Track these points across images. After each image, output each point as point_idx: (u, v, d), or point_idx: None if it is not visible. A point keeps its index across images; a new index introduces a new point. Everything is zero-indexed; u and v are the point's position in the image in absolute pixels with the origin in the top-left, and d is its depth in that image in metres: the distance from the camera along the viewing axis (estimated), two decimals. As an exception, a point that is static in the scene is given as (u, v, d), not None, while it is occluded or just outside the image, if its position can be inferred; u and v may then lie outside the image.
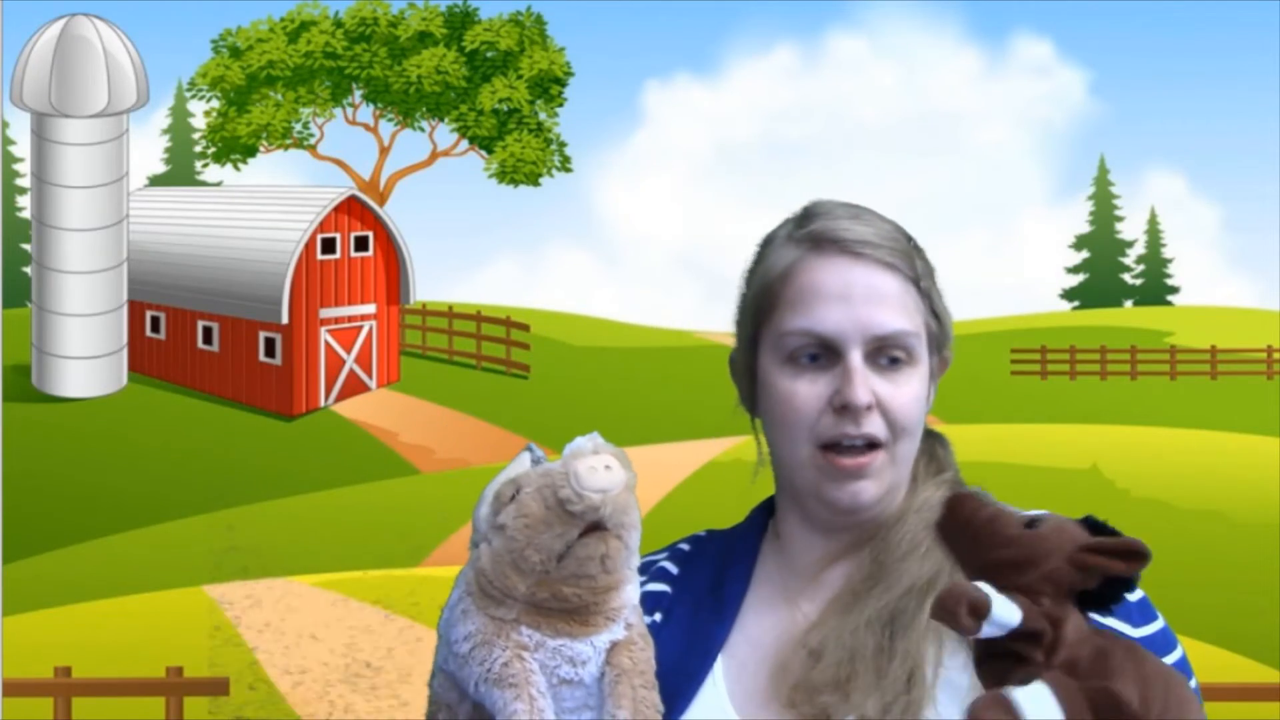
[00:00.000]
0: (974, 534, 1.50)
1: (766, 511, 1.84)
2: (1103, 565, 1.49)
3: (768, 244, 1.79)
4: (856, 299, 1.71)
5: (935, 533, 1.55)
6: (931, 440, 1.83)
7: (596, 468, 1.56)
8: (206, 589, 14.67)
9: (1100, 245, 39.95)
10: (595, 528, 1.56)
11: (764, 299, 1.76)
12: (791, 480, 1.76)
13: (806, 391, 1.71)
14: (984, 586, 1.46)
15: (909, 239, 1.77)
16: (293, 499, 19.75)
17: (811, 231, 1.75)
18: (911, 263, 1.75)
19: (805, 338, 1.72)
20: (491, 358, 25.66)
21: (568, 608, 1.58)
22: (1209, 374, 27.11)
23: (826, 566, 1.77)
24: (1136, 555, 1.48)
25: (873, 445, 1.71)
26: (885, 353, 1.72)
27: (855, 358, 1.70)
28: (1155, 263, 39.76)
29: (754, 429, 1.81)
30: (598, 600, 1.58)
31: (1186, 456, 19.22)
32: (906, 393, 1.72)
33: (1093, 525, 1.51)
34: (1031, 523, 1.49)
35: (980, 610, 1.45)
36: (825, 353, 1.72)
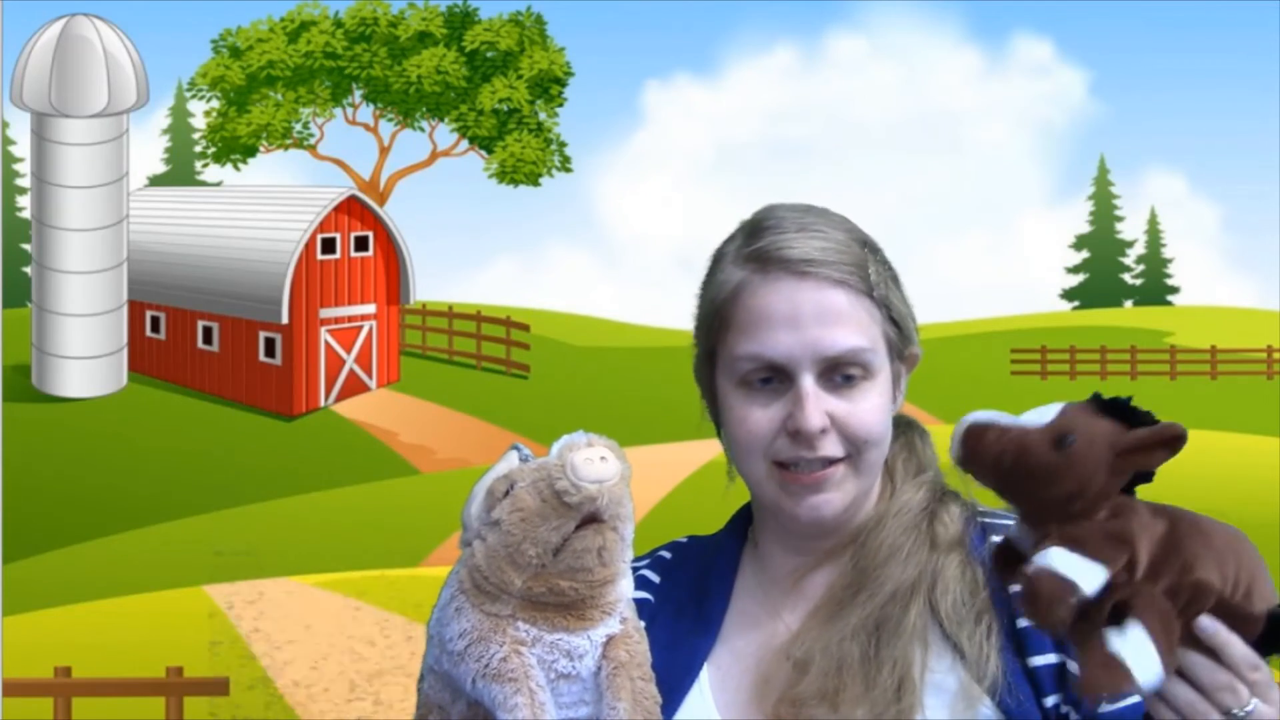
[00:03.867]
0: (1009, 474, 1.44)
1: (747, 517, 1.82)
2: (1145, 463, 1.44)
3: (718, 260, 1.76)
4: (805, 321, 1.68)
5: (961, 470, 1.51)
6: (910, 433, 1.80)
7: (592, 459, 1.55)
8: (206, 589, 14.66)
9: (1100, 245, 39.92)
10: (591, 520, 1.55)
11: (715, 320, 1.73)
12: (757, 494, 1.75)
13: (759, 415, 1.69)
14: (1053, 564, 1.40)
15: (863, 244, 1.73)
16: (293, 499, 19.74)
17: (757, 250, 1.71)
18: (864, 273, 1.71)
19: (755, 362, 1.69)
20: (491, 358, 25.64)
21: (564, 602, 1.57)
22: (1209, 374, 27.10)
23: (808, 574, 1.75)
24: (1176, 441, 1.45)
25: (831, 462, 1.69)
26: (839, 371, 1.68)
27: (807, 382, 1.67)
28: (1155, 263, 39.73)
29: (721, 440, 1.78)
30: (594, 594, 1.58)
31: (1186, 456, 19.11)
32: (864, 408, 1.69)
33: (1117, 409, 1.46)
34: (1059, 440, 1.43)
35: (1069, 594, 1.41)
36: (777, 376, 1.69)
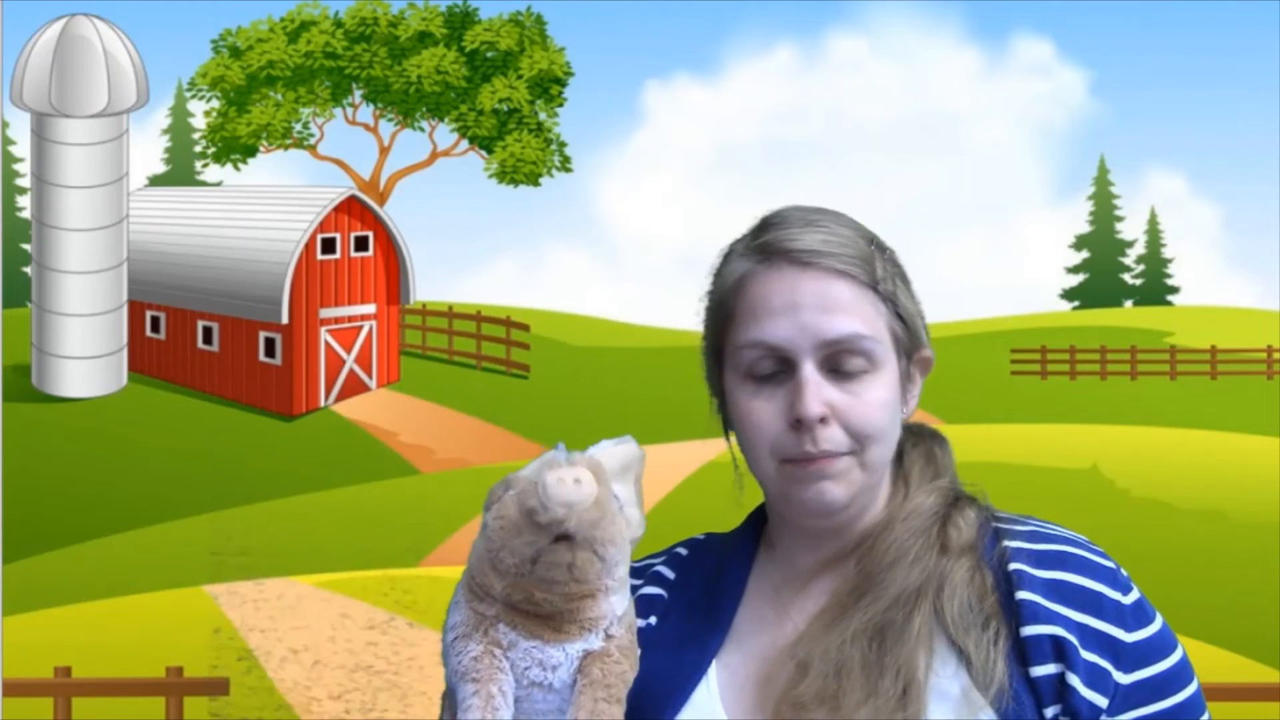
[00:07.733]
0: None
1: (762, 516, 1.82)
2: None
3: (724, 258, 1.77)
4: (805, 308, 1.68)
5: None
6: (930, 442, 1.79)
7: (565, 480, 1.55)
8: (206, 589, 14.66)
9: (1100, 245, 39.90)
10: (565, 537, 1.56)
11: (719, 313, 1.75)
12: (767, 492, 1.75)
13: (764, 409, 1.69)
14: None
15: (870, 241, 1.74)
16: (293, 499, 19.73)
17: (762, 243, 1.73)
18: (869, 267, 1.71)
19: (757, 349, 1.69)
20: (491, 358, 25.64)
21: (541, 612, 1.59)
22: (1209, 374, 27.08)
23: (816, 575, 1.75)
24: None
25: (833, 456, 1.68)
26: (841, 360, 1.68)
27: (807, 368, 1.68)
28: (1155, 263, 39.71)
29: (728, 440, 1.78)
30: (570, 607, 1.59)
31: (1186, 456, 19.19)
32: (868, 400, 1.69)
33: None
34: None
35: None
36: (780, 366, 1.69)
